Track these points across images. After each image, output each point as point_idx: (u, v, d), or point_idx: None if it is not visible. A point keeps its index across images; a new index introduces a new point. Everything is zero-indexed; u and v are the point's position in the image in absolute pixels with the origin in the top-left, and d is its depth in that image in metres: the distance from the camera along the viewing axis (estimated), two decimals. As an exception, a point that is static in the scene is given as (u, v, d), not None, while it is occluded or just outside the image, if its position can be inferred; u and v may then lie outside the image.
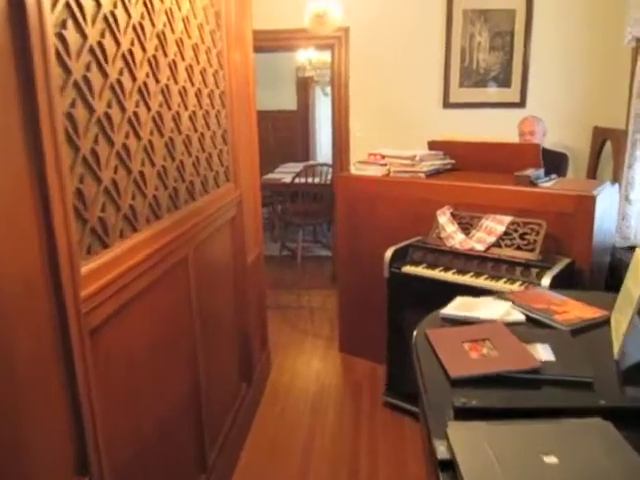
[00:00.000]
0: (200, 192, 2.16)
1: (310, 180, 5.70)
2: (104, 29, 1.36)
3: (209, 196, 2.26)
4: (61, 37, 1.16)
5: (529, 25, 4.25)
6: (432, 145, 3.43)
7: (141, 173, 1.59)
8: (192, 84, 2.05)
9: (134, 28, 1.53)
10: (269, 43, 4.33)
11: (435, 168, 3.20)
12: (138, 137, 1.57)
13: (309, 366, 3.58)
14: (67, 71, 1.19)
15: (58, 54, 1.15)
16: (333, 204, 4.89)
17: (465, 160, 3.33)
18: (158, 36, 1.70)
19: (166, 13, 1.77)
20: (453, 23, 4.37)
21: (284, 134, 8.09)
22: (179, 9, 1.89)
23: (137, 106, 1.55)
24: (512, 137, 3.82)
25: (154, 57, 1.67)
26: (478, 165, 3.25)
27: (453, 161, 3.36)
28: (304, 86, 8.05)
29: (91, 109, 1.30)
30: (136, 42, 1.55)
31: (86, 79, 1.27)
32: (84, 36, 1.26)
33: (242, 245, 2.78)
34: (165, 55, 1.77)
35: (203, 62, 2.18)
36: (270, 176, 6.41)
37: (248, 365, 2.92)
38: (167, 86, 1.78)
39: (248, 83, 2.96)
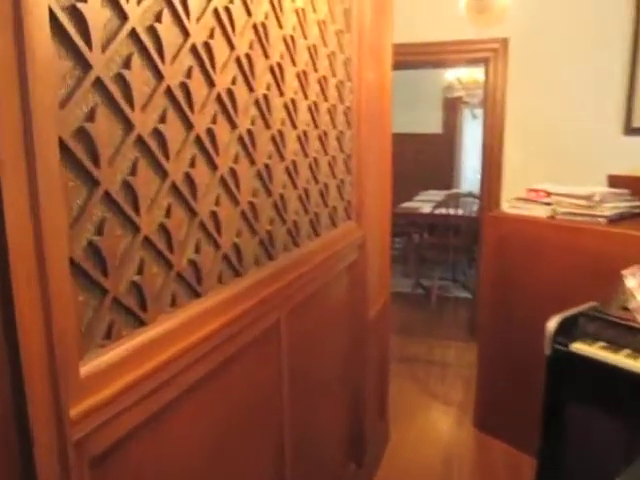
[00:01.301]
0: (308, 234, 1.69)
1: (452, 211, 5.06)
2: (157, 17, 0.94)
3: (320, 239, 1.78)
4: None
5: None
6: (615, 181, 2.67)
7: (213, 215, 1.14)
8: (305, 96, 1.59)
9: (216, 14, 1.10)
10: (412, 58, 3.81)
11: (620, 212, 2.45)
12: (212, 165, 1.13)
13: (435, 442, 2.93)
14: (88, 66, 0.78)
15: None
16: (476, 239, 4.23)
17: (663, 203, 2.53)
18: (255, 28, 1.26)
19: (271, 1, 1.33)
20: (644, 29, 3.54)
21: (426, 158, 7.46)
22: (292, -2, 1.45)
23: (213, 122, 1.11)
24: None
25: (247, 57, 1.23)
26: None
27: (645, 203, 2.59)
28: (452, 107, 7.38)
29: (129, 124, 0.87)
30: (218, 34, 1.12)
31: (123, 82, 0.85)
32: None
33: (363, 296, 2.26)
34: (266, 56, 1.33)
35: (323, 69, 1.72)
36: (407, 204, 5.87)
37: (359, 441, 2.38)
38: (266, 97, 1.33)
39: (383, 99, 2.46)
